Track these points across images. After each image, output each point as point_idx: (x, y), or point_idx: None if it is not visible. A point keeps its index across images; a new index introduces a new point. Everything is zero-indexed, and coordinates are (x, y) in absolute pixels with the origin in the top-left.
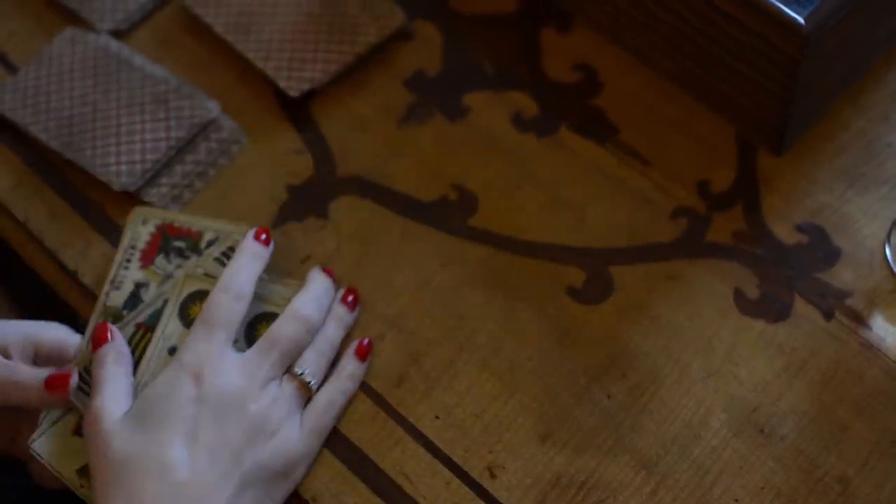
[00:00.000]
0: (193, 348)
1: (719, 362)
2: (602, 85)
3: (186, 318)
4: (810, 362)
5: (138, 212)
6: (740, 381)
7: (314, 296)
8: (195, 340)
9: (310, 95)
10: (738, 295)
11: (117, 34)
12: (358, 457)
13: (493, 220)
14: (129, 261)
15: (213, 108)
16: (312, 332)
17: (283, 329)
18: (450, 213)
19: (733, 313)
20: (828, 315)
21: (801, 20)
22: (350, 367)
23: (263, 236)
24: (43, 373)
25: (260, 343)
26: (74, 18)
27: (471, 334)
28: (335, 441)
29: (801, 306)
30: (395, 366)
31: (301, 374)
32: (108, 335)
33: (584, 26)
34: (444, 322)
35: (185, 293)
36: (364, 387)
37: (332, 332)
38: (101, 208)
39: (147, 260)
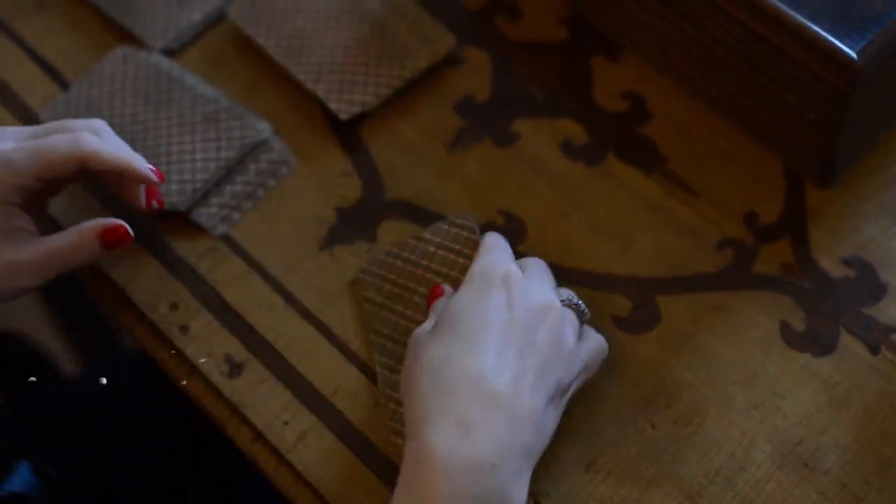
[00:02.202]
0: (490, 260)
1: (764, 394)
2: (651, 114)
3: None
4: (854, 397)
5: None
6: (784, 414)
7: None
8: (490, 254)
9: (359, 118)
10: (784, 327)
11: (169, 53)
12: None
13: (540, 246)
14: None
15: (263, 129)
16: None
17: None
18: None
19: (779, 345)
20: (874, 350)
21: (853, 55)
22: None
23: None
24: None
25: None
26: (126, 37)
27: None
28: (375, 461)
29: (846, 340)
30: None
31: (573, 301)
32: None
33: (633, 56)
34: None
35: None
36: None
37: None
38: (152, 227)
39: None
